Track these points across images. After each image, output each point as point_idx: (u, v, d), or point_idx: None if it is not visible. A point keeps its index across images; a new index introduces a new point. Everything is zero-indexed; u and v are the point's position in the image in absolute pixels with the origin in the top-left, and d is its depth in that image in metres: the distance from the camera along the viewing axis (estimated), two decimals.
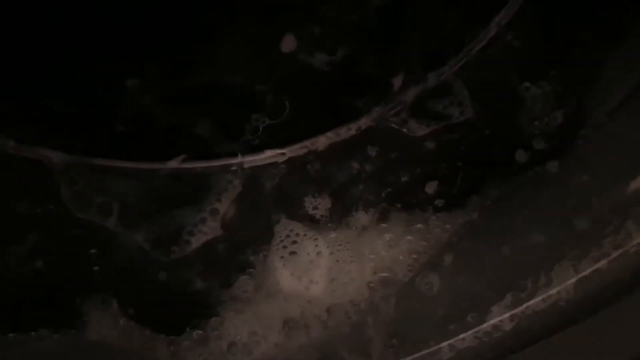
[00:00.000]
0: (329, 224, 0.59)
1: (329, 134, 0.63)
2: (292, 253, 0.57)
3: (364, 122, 0.63)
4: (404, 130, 0.62)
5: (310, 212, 0.60)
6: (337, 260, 0.56)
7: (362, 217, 0.59)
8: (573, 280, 0.48)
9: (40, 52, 0.58)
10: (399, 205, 0.59)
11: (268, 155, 0.62)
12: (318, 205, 0.60)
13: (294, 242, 0.58)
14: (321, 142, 0.63)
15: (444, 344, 0.49)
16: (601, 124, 0.54)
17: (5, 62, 0.57)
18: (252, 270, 0.57)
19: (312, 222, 0.59)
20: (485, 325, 0.49)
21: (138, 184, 0.59)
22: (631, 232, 0.48)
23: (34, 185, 0.58)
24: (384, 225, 0.58)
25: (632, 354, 0.45)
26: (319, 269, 0.56)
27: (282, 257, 0.57)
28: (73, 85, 0.59)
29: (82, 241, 0.57)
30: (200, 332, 0.52)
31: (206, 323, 0.53)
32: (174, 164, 0.60)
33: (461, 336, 0.49)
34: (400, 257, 0.56)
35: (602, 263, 0.48)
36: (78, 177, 0.58)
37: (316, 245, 0.57)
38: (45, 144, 0.57)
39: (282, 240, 0.58)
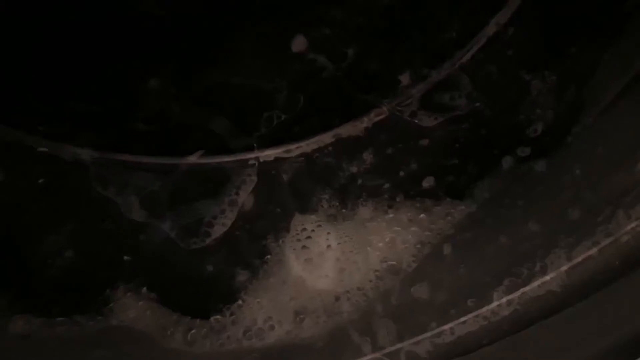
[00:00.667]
0: (340, 216, 0.62)
1: (340, 128, 0.66)
2: (305, 246, 0.60)
3: (374, 116, 0.66)
4: (412, 123, 0.65)
5: (323, 204, 0.63)
6: (346, 251, 0.59)
7: (370, 209, 0.62)
8: (566, 267, 0.51)
9: (69, 56, 0.62)
10: (405, 197, 0.62)
11: (282, 150, 0.65)
12: (330, 197, 0.63)
13: (307, 235, 0.61)
14: (333, 136, 0.66)
15: (446, 327, 0.52)
16: (594, 119, 0.56)
17: (36, 64, 0.61)
18: (268, 259, 0.61)
19: (323, 214, 0.62)
20: (484, 309, 0.52)
21: (160, 177, 0.63)
22: (621, 221, 0.50)
23: (69, 181, 0.63)
24: (391, 216, 0.61)
25: (621, 335, 0.47)
26: (329, 260, 0.59)
27: (294, 249, 0.60)
28: (99, 87, 0.63)
29: (111, 232, 0.61)
30: (218, 317, 0.56)
31: (224, 309, 0.57)
32: (193, 158, 0.64)
33: (462, 320, 0.52)
34: (406, 246, 0.59)
35: (594, 250, 0.50)
36: (106, 172, 0.62)
37: (327, 239, 0.61)
38: (74, 142, 0.62)
39: (297, 233, 0.61)
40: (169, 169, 0.64)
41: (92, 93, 0.63)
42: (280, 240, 0.61)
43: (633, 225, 0.50)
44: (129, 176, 0.63)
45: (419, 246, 0.58)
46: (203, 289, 0.59)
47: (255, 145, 0.64)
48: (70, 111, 0.62)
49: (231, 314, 0.56)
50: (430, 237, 0.58)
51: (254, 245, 0.61)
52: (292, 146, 0.65)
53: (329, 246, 0.59)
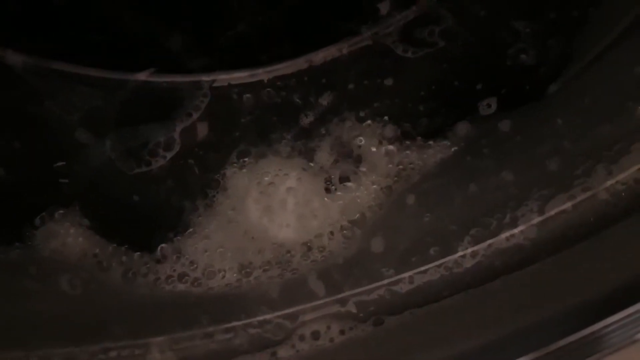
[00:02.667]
0: (300, 155, 0.58)
1: (311, 55, 0.60)
2: (262, 191, 0.55)
3: (347, 46, 0.61)
4: (388, 56, 0.60)
5: (283, 140, 0.58)
6: (306, 196, 0.55)
7: (334, 149, 0.57)
8: (537, 220, 0.48)
9: None
10: (374, 138, 0.57)
11: (245, 75, 0.60)
12: (292, 133, 0.58)
13: (264, 173, 0.56)
14: (304, 62, 0.60)
15: (405, 275, 0.49)
16: (582, 69, 0.52)
17: None
18: (217, 194, 0.56)
19: (282, 151, 0.58)
20: (446, 259, 0.49)
21: (104, 94, 0.57)
22: (601, 176, 0.47)
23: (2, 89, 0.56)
24: (356, 158, 0.57)
25: (588, 296, 0.45)
26: (287, 205, 0.55)
27: (248, 188, 0.55)
28: None
29: (46, 150, 0.55)
30: (158, 251, 0.51)
31: (168, 241, 0.52)
32: (143, 76, 0.57)
33: (422, 269, 0.49)
34: (373, 189, 0.55)
35: (568, 205, 0.47)
36: (41, 82, 0.55)
37: (285, 181, 0.56)
38: (9, 45, 0.54)
39: (253, 170, 0.56)
40: (115, 85, 0.57)
41: None
42: (233, 176, 0.56)
43: (613, 182, 0.47)
44: (69, 89, 0.56)
45: (385, 191, 0.54)
46: (143, 220, 0.54)
47: (214, 66, 0.58)
48: (3, 8, 0.54)
49: (173, 250, 0.51)
50: (397, 183, 0.54)
51: (204, 178, 0.56)
52: (255, 71, 0.59)
53: (289, 189, 0.55)
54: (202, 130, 0.58)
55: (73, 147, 0.55)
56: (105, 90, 0.57)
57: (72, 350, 0.46)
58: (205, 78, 0.58)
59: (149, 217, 0.54)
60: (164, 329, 0.48)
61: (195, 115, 0.57)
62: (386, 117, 0.58)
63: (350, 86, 0.59)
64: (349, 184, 0.56)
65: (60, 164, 0.54)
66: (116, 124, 0.56)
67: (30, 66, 0.55)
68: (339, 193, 0.55)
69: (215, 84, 0.58)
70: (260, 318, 0.49)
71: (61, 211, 0.52)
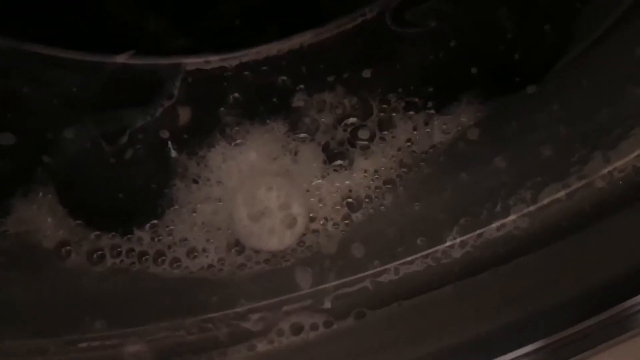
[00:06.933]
0: (286, 138, 0.56)
1: (298, 36, 0.58)
2: (246, 169, 0.53)
3: (334, 26, 0.58)
4: (376, 38, 0.57)
5: (270, 122, 0.56)
6: (294, 181, 0.53)
7: (323, 131, 0.55)
8: (530, 209, 0.46)
9: None
10: (366, 124, 0.55)
11: (228, 57, 0.57)
12: (279, 115, 0.56)
13: (251, 155, 0.54)
14: (289, 45, 0.58)
15: (390, 265, 0.47)
16: (579, 54, 0.50)
17: None
18: (198, 181, 0.54)
19: (269, 133, 0.56)
20: (434, 249, 0.47)
21: (82, 77, 0.55)
22: (597, 163, 0.45)
23: None
24: (348, 140, 0.55)
25: (583, 288, 0.43)
26: (273, 192, 0.53)
27: (233, 178, 0.53)
28: None
29: (19, 135, 0.53)
30: (135, 237, 0.49)
31: (146, 226, 0.50)
32: (122, 58, 0.55)
33: (408, 259, 0.47)
34: (362, 176, 0.53)
35: (563, 193, 0.45)
36: (15, 65, 0.53)
37: (272, 163, 0.54)
38: None
39: (237, 153, 0.54)
40: (92, 68, 0.55)
41: None
42: (216, 159, 0.54)
43: (610, 169, 0.44)
44: (44, 72, 0.54)
45: (374, 179, 0.52)
46: (122, 204, 0.52)
47: (195, 49, 0.56)
48: None
49: (152, 233, 0.50)
50: (387, 170, 0.52)
51: (184, 163, 0.54)
52: (240, 52, 0.57)
53: (274, 174, 0.53)
54: (184, 113, 0.56)
55: (51, 131, 0.53)
56: (83, 73, 0.55)
57: (42, 341, 0.45)
58: (186, 60, 0.56)
59: (128, 200, 0.52)
60: (139, 319, 0.46)
61: (177, 98, 0.55)
62: (376, 102, 0.56)
63: (339, 68, 0.57)
64: (337, 170, 0.54)
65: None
66: (94, 107, 0.54)
67: (5, 49, 0.53)
68: (327, 179, 0.54)
69: (197, 66, 0.56)
70: (239, 309, 0.47)
71: (36, 196, 0.50)
